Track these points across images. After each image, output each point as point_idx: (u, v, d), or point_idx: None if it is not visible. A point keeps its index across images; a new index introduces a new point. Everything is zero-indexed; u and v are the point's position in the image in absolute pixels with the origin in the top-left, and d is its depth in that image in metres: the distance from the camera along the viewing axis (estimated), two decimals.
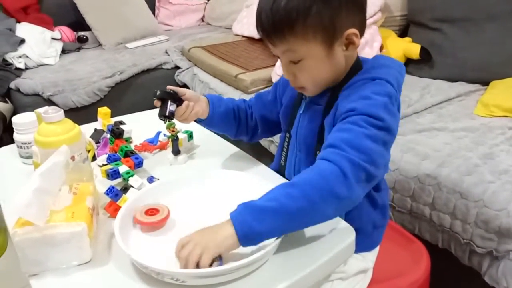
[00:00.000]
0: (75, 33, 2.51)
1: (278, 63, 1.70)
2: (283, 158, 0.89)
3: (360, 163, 0.62)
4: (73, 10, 2.49)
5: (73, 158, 0.77)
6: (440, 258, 1.09)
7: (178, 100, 0.85)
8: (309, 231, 0.71)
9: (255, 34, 2.33)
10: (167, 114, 0.83)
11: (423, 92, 1.62)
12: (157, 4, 2.93)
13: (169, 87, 0.85)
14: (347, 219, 0.74)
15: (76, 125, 0.81)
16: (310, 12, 0.67)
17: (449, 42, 1.76)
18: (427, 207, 1.16)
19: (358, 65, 0.76)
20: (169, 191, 0.80)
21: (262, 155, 0.88)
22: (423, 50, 1.79)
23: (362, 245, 0.81)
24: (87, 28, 2.50)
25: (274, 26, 0.69)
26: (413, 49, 1.81)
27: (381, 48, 1.71)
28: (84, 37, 2.50)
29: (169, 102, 0.83)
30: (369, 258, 0.86)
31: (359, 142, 0.63)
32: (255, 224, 0.58)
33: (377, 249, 0.88)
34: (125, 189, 0.81)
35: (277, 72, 1.68)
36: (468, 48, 1.70)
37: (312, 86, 0.76)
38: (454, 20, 1.75)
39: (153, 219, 0.71)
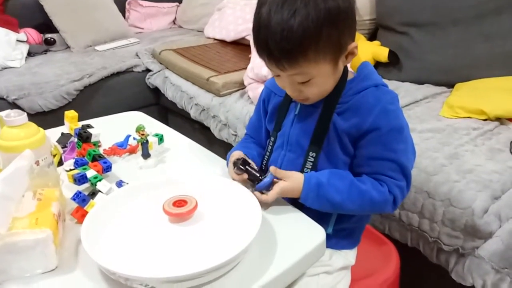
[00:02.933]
0: (42, 35, 2.44)
1: (250, 65, 1.70)
2: (265, 160, 0.90)
3: (404, 186, 0.77)
4: (40, 12, 2.41)
5: (37, 163, 0.75)
6: (410, 256, 1.12)
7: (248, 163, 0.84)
8: (282, 231, 0.73)
9: (227, 37, 2.33)
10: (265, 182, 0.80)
11: None
12: (127, 6, 2.89)
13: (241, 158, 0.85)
14: (338, 218, 0.82)
15: (40, 129, 0.78)
16: (321, 36, 0.67)
17: (416, 45, 1.80)
18: None
19: (345, 69, 0.79)
20: (139, 194, 0.79)
21: None
22: (391, 54, 1.83)
23: (344, 243, 0.88)
24: (54, 30, 2.43)
25: (286, 54, 0.68)
26: (382, 53, 1.85)
27: None
28: (52, 40, 2.43)
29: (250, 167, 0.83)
30: (350, 255, 0.89)
31: (401, 166, 0.76)
32: (315, 204, 0.77)
33: (356, 248, 0.91)
34: (93, 194, 0.79)
35: (249, 75, 1.68)
36: (434, 52, 1.75)
37: (317, 97, 0.78)
38: (420, 24, 1.80)
39: (181, 210, 0.71)
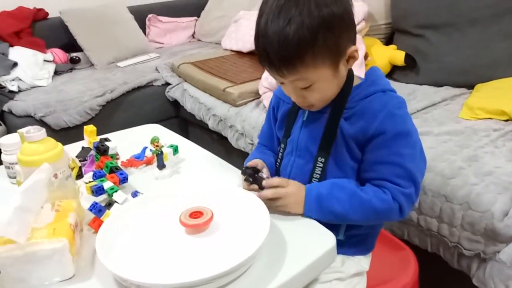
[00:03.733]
0: (67, 54, 2.54)
1: (265, 75, 1.72)
2: (276, 166, 0.91)
3: (413, 194, 0.75)
4: (65, 32, 2.52)
5: (55, 176, 0.78)
6: (430, 262, 1.09)
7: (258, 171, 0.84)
8: (292, 237, 0.73)
9: (243, 48, 2.36)
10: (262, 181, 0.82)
11: (408, 98, 1.64)
12: (147, 22, 2.96)
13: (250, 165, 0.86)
14: (348, 225, 0.81)
15: (58, 143, 0.82)
16: (317, 41, 0.68)
17: (433, 48, 1.78)
18: (414, 212, 1.17)
19: (351, 75, 0.79)
20: (153, 204, 0.81)
21: None
22: (408, 57, 1.81)
23: (357, 249, 0.87)
24: (79, 49, 2.53)
25: (284, 61, 0.70)
26: (398, 56, 1.83)
27: (366, 57, 1.73)
28: (77, 58, 2.52)
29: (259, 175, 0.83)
30: (364, 261, 0.88)
31: (407, 172, 0.74)
32: (319, 216, 0.77)
33: (370, 254, 0.90)
34: (109, 204, 0.82)
35: (263, 84, 1.70)
36: (451, 53, 1.73)
37: (321, 103, 0.79)
38: (436, 26, 1.78)
39: (197, 221, 0.72)
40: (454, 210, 1.08)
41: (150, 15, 2.95)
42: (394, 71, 1.92)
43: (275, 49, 0.69)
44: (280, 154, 0.90)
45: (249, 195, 0.80)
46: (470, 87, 1.67)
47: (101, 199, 0.86)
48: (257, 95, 1.81)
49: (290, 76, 0.72)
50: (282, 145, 0.89)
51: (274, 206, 0.77)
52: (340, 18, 0.70)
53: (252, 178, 0.82)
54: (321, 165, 0.80)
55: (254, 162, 0.87)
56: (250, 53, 2.34)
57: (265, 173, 0.84)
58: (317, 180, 0.81)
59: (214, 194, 0.82)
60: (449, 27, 1.74)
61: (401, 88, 1.75)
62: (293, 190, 0.78)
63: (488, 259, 1.03)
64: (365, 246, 0.89)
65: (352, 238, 0.85)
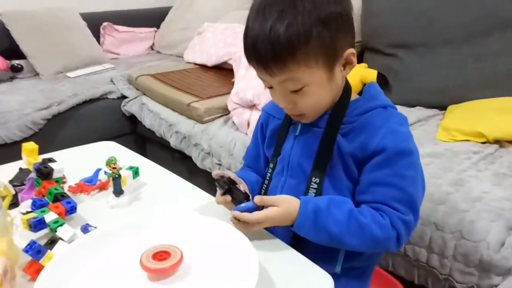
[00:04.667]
0: (8, 61, 2.29)
1: (234, 89, 1.60)
2: (263, 189, 0.82)
3: (412, 221, 0.68)
4: (6, 37, 2.28)
5: None
6: None
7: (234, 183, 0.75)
8: (283, 281, 0.62)
9: (208, 61, 2.24)
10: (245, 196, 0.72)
11: None
12: (102, 31, 2.78)
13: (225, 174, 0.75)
14: (347, 256, 0.74)
15: None
16: (311, 36, 0.63)
17: (405, 67, 1.75)
18: None
19: (348, 87, 0.74)
20: (108, 242, 0.66)
21: None
22: (380, 76, 1.76)
23: (354, 284, 0.79)
24: (22, 56, 2.29)
25: (274, 55, 0.64)
26: (370, 75, 1.78)
27: None
28: (19, 66, 2.28)
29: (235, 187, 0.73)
30: None
31: (408, 197, 0.68)
32: (310, 234, 0.68)
33: None
34: (52, 242, 0.67)
35: (233, 99, 1.58)
36: (424, 73, 1.69)
37: (312, 112, 0.72)
38: (409, 45, 1.75)
39: (163, 264, 0.59)
40: (445, 239, 1.00)
41: (105, 23, 2.78)
42: None
43: (264, 42, 0.63)
44: (269, 174, 0.81)
45: (229, 229, 0.67)
46: (442, 108, 1.64)
47: (42, 235, 0.71)
48: (225, 111, 1.69)
49: (280, 75, 0.66)
50: (271, 165, 0.81)
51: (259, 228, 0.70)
52: (337, 17, 0.65)
53: (227, 187, 0.72)
54: (316, 186, 0.72)
55: (227, 172, 0.76)
56: (215, 67, 2.23)
57: (241, 188, 0.74)
58: None
59: (185, 228, 0.70)
60: (422, 47, 1.71)
61: None
62: (287, 207, 0.68)
63: None
64: (362, 281, 0.80)
65: (350, 272, 0.76)
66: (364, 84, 0.74)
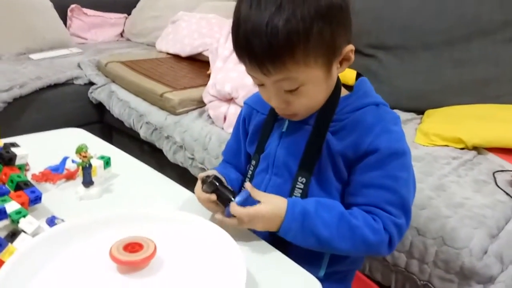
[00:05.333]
0: None
1: (211, 82, 1.53)
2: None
3: (404, 225, 0.65)
4: None
5: None
6: None
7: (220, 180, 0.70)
8: (266, 284, 0.58)
9: (181, 51, 2.16)
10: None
11: None
12: (69, 14, 2.63)
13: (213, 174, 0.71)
14: (331, 260, 0.71)
15: None
16: (312, 33, 0.58)
17: (384, 69, 1.74)
18: None
19: (338, 82, 0.71)
20: (77, 236, 0.60)
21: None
22: (359, 76, 1.74)
23: None
24: None
25: (271, 54, 0.58)
26: (349, 75, 1.74)
27: None
28: None
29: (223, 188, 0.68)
30: None
31: (401, 200, 0.65)
32: (297, 238, 0.64)
33: None
34: (13, 235, 0.60)
35: (209, 91, 1.51)
36: (403, 76, 1.69)
37: (305, 111, 0.68)
38: (389, 47, 1.74)
39: (134, 257, 0.55)
40: (426, 245, 0.98)
41: (73, 5, 2.64)
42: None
43: (259, 38, 0.57)
44: (250, 172, 0.76)
45: (210, 226, 0.62)
46: (420, 112, 1.64)
47: (1, 227, 0.64)
48: (200, 104, 1.62)
49: (276, 75, 0.61)
50: (253, 162, 0.76)
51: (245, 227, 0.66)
52: (338, 9, 0.61)
53: (219, 193, 0.66)
54: (302, 186, 0.68)
55: (210, 172, 0.72)
56: (188, 58, 2.14)
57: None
58: None
59: (160, 223, 0.64)
60: (402, 49, 1.71)
61: None
62: (273, 207, 0.64)
63: None
64: (344, 285, 0.78)
65: (333, 276, 0.73)
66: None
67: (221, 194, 0.66)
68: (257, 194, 0.64)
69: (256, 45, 0.58)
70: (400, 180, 0.65)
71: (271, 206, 0.63)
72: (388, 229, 0.64)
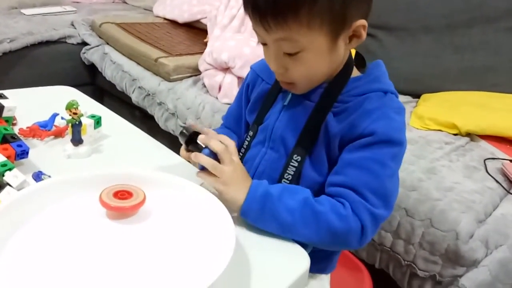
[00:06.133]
0: None
1: (208, 49, 1.50)
2: (240, 155, 0.74)
3: (381, 215, 0.60)
4: None
5: None
6: (385, 283, 1.00)
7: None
8: (264, 257, 0.57)
9: (179, 17, 2.11)
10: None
11: None
12: None
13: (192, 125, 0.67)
14: None
15: None
16: None
17: (384, 50, 1.71)
18: None
19: (351, 61, 0.66)
20: (64, 193, 0.58)
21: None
22: (358, 56, 1.72)
23: (321, 266, 0.76)
24: None
25: (274, 6, 0.55)
26: None
27: None
28: None
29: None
30: (326, 280, 0.79)
31: (382, 189, 0.60)
32: (258, 221, 0.60)
33: (330, 274, 0.79)
34: None
35: (206, 59, 1.48)
36: (402, 58, 1.66)
37: (304, 83, 0.64)
38: (390, 28, 1.71)
39: (124, 203, 0.56)
40: (414, 226, 0.98)
41: None
42: None
43: None
44: (247, 142, 0.74)
45: (202, 191, 0.61)
46: (416, 96, 1.62)
47: None
48: (195, 72, 1.58)
49: (277, 32, 0.58)
50: (251, 133, 0.74)
51: (208, 181, 0.63)
52: None
53: (189, 137, 0.63)
54: (296, 164, 0.66)
55: (193, 124, 0.69)
56: (186, 25, 2.09)
57: None
58: (287, 181, 0.66)
59: (151, 184, 0.62)
60: (403, 31, 1.68)
61: None
62: (236, 174, 0.61)
63: (444, 284, 0.94)
64: (329, 263, 0.77)
65: (318, 253, 0.70)
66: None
67: (198, 146, 0.62)
68: (226, 155, 0.62)
69: None
70: (387, 168, 0.60)
71: (237, 171, 0.62)
72: (360, 217, 0.58)
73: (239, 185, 0.61)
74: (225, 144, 0.63)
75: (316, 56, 0.60)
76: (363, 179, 0.59)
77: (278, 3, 0.55)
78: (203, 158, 0.61)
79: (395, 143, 0.61)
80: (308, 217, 0.59)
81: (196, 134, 0.63)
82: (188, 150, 0.65)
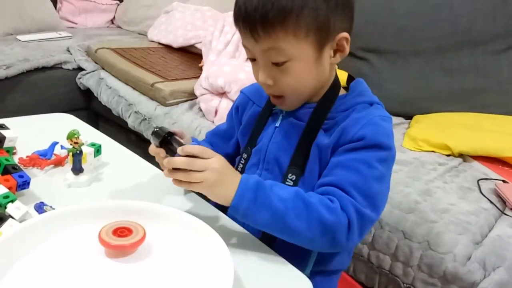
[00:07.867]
0: None
1: (204, 74, 1.52)
2: None
3: (367, 215, 0.61)
4: None
5: None
6: None
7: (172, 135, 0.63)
8: (254, 283, 0.57)
9: (174, 42, 2.13)
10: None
11: None
12: None
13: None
14: (317, 260, 0.70)
15: None
16: (307, 6, 0.60)
17: (375, 72, 1.74)
18: (366, 246, 1.06)
19: (338, 83, 0.71)
20: (65, 224, 0.59)
21: None
22: (350, 78, 1.75)
23: None
24: None
25: (263, 16, 0.60)
26: (341, 77, 1.76)
27: None
28: None
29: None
30: None
31: (368, 189, 0.61)
32: (250, 212, 0.60)
33: None
34: (1, 220, 0.58)
35: (202, 84, 1.49)
36: (394, 81, 1.70)
37: (293, 96, 0.67)
38: (381, 51, 1.74)
39: (124, 241, 0.55)
40: (412, 248, 0.99)
41: None
42: None
43: (257, 2, 0.60)
44: (241, 165, 0.76)
45: (199, 223, 0.61)
46: (408, 117, 1.65)
47: None
48: (191, 96, 1.60)
49: (265, 41, 0.61)
50: (245, 155, 0.76)
51: (187, 182, 0.59)
52: None
53: (163, 139, 0.61)
54: (291, 183, 0.68)
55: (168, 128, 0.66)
56: (180, 49, 2.12)
57: (183, 141, 0.63)
58: None
59: (150, 216, 0.63)
60: (394, 54, 1.72)
61: None
62: (219, 165, 0.59)
63: None
64: (330, 286, 0.77)
65: (318, 275, 0.72)
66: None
67: (171, 147, 0.60)
68: (207, 152, 0.60)
69: (249, 8, 0.60)
70: (374, 170, 0.62)
71: (222, 162, 0.60)
72: (346, 211, 0.60)
73: (229, 175, 0.60)
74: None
75: (303, 67, 0.64)
76: (350, 178, 0.62)
77: (267, 12, 0.59)
78: (179, 160, 0.58)
79: (383, 148, 0.63)
80: (299, 208, 0.60)
81: (171, 134, 0.61)
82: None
